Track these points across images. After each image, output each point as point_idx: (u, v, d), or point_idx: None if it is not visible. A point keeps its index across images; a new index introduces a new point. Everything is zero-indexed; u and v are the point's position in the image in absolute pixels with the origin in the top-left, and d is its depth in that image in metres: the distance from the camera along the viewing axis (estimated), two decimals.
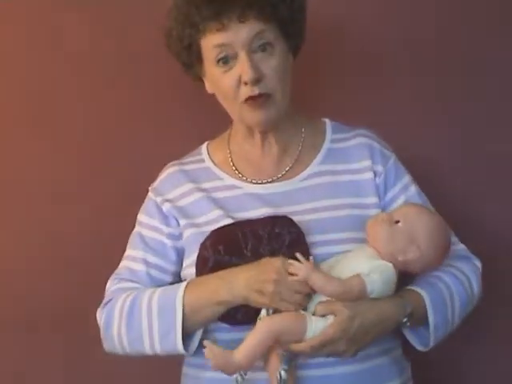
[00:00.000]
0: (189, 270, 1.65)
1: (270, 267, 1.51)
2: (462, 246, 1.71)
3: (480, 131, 2.06)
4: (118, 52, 2.04)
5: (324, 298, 1.51)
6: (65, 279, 2.03)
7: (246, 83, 1.58)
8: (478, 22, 2.05)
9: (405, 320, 1.55)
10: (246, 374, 1.51)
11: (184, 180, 1.73)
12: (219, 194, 1.69)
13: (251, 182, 1.69)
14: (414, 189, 1.71)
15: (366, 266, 1.52)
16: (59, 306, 2.03)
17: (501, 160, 2.06)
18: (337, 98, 2.05)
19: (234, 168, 1.72)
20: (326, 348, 1.48)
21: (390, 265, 1.54)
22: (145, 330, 1.60)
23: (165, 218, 1.71)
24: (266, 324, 1.49)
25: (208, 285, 1.57)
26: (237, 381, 1.51)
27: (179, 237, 1.70)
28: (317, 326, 1.48)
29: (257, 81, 1.58)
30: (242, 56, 1.58)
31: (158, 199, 1.73)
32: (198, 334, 1.60)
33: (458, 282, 1.64)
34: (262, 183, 1.69)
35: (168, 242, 1.70)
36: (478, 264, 1.70)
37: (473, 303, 1.67)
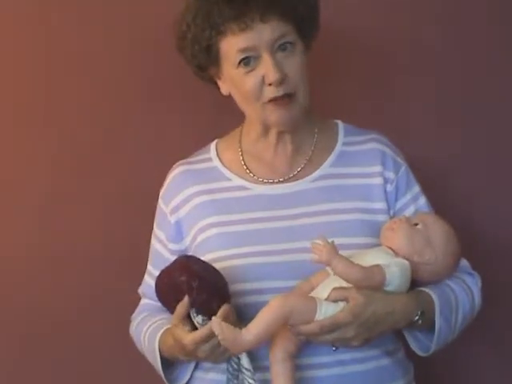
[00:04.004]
0: None
1: (180, 347, 1.53)
2: (465, 263, 1.70)
3: (480, 132, 2.06)
4: (118, 51, 2.03)
5: (337, 284, 1.50)
6: (65, 279, 2.03)
7: (270, 84, 1.58)
8: (478, 22, 2.05)
9: (417, 318, 1.54)
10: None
11: (189, 182, 1.71)
12: (225, 195, 1.68)
13: (262, 182, 1.68)
14: (423, 200, 1.71)
15: (385, 260, 1.52)
16: (59, 306, 2.02)
17: (501, 161, 2.06)
18: (342, 99, 2.05)
19: (245, 167, 1.70)
20: (334, 332, 1.47)
21: (407, 262, 1.54)
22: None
23: (171, 232, 1.71)
24: (277, 303, 1.46)
25: (172, 353, 1.60)
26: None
27: (184, 251, 1.69)
28: (327, 310, 1.47)
29: (281, 81, 1.57)
30: (266, 57, 1.57)
31: (167, 210, 1.72)
32: (190, 367, 1.65)
33: (464, 292, 1.64)
34: (273, 182, 1.68)
35: (171, 257, 1.68)
36: (479, 281, 1.70)
37: (473, 316, 1.67)
